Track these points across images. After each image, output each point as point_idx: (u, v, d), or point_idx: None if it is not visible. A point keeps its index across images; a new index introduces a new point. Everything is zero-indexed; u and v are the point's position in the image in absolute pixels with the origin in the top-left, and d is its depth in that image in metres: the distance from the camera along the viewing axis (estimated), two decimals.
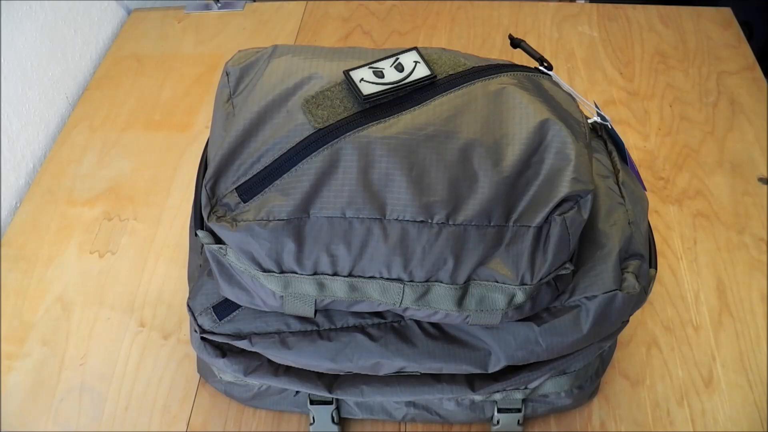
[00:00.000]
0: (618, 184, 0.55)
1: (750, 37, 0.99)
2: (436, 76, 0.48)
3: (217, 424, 0.62)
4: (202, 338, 0.53)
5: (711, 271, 0.71)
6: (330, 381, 0.55)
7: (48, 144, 0.90)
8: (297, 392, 0.59)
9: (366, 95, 0.46)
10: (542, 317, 0.50)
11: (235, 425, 0.62)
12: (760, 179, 0.79)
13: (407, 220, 0.45)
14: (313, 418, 0.59)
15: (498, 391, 0.56)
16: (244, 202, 0.45)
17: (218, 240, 0.47)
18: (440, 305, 0.47)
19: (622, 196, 0.54)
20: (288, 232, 0.45)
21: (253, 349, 0.52)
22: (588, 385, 0.59)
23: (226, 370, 0.55)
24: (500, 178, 0.45)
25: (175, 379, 0.65)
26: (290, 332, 0.52)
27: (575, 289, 0.50)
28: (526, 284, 0.46)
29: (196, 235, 0.48)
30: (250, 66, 0.52)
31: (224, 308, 0.53)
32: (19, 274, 0.74)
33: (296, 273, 0.46)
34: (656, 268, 0.53)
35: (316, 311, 0.50)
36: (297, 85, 0.48)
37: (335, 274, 0.46)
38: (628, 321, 0.55)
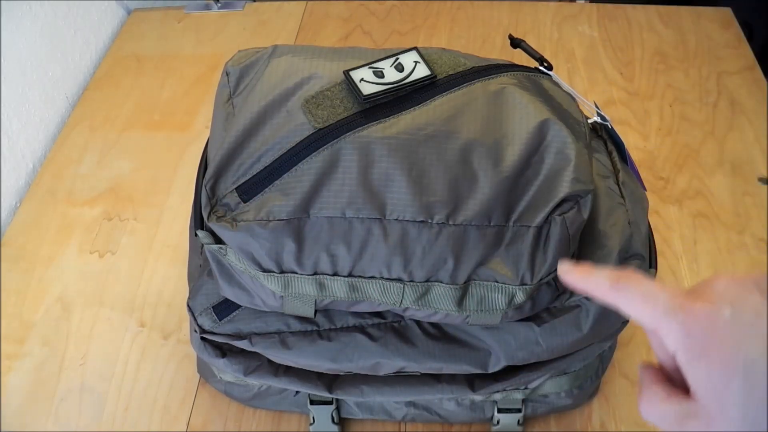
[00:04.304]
0: (618, 184, 0.55)
1: (750, 37, 0.99)
2: (436, 76, 0.48)
3: (217, 424, 0.62)
4: (202, 338, 0.53)
5: (711, 271, 0.71)
6: (330, 381, 0.55)
7: (48, 144, 0.90)
8: (297, 392, 0.59)
9: (366, 95, 0.46)
10: (542, 317, 0.50)
11: (235, 425, 0.62)
12: (760, 179, 0.79)
13: (407, 220, 0.45)
14: (313, 418, 0.59)
15: (498, 391, 0.56)
16: (244, 202, 0.45)
17: (218, 240, 0.47)
18: (440, 305, 0.47)
19: (622, 196, 0.54)
20: (288, 232, 0.45)
21: (253, 349, 0.52)
22: (588, 385, 0.59)
23: (226, 370, 0.55)
24: (500, 178, 0.45)
25: (175, 379, 0.65)
26: (290, 332, 0.52)
27: None
28: (526, 284, 0.46)
29: (196, 235, 0.48)
30: (250, 66, 0.52)
31: (224, 308, 0.53)
32: (19, 274, 0.74)
33: (296, 273, 0.46)
34: (656, 268, 0.53)
35: (316, 311, 0.50)
36: (297, 85, 0.48)
37: (335, 274, 0.46)
38: (628, 321, 0.55)
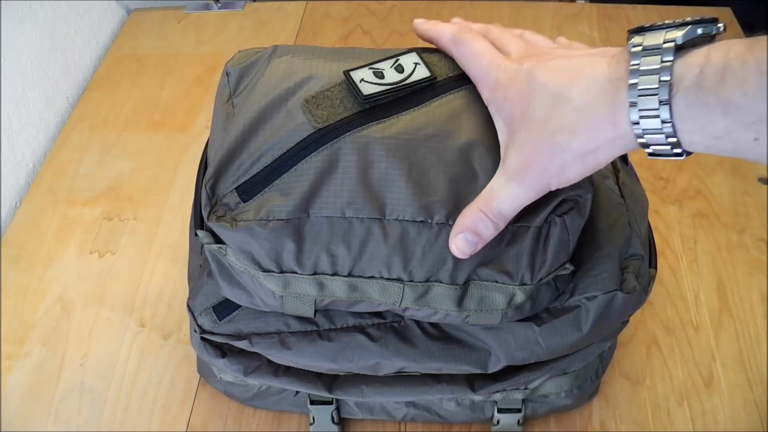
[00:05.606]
0: (618, 184, 0.55)
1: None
2: (435, 78, 0.48)
3: (217, 424, 0.62)
4: (202, 338, 0.53)
5: (711, 271, 0.71)
6: (330, 381, 0.55)
7: (48, 144, 0.90)
8: (297, 392, 0.59)
9: (366, 95, 0.46)
10: (542, 317, 0.50)
11: (235, 425, 0.62)
12: (760, 179, 0.79)
13: (407, 220, 0.45)
14: (313, 418, 0.59)
15: (498, 392, 0.56)
16: (244, 202, 0.45)
17: (218, 240, 0.47)
18: (440, 305, 0.47)
19: (622, 196, 0.54)
20: (288, 232, 0.45)
21: (253, 350, 0.52)
22: (588, 385, 0.59)
23: (226, 371, 0.55)
24: None
25: (175, 379, 0.65)
26: (290, 332, 0.52)
27: (575, 289, 0.50)
28: (526, 284, 0.46)
29: (196, 235, 0.48)
30: (250, 66, 0.52)
31: (224, 308, 0.53)
32: (19, 274, 0.74)
33: (296, 273, 0.46)
34: (656, 268, 0.53)
35: (316, 311, 0.50)
36: (297, 85, 0.48)
37: (335, 274, 0.46)
38: (628, 321, 0.55)
